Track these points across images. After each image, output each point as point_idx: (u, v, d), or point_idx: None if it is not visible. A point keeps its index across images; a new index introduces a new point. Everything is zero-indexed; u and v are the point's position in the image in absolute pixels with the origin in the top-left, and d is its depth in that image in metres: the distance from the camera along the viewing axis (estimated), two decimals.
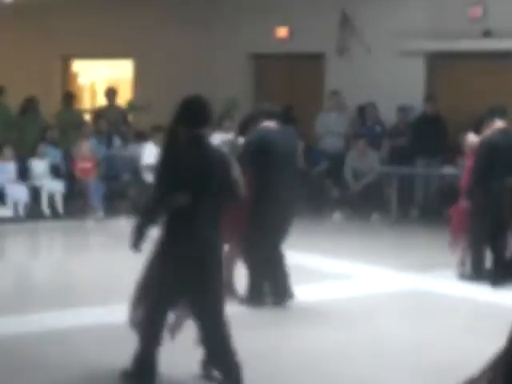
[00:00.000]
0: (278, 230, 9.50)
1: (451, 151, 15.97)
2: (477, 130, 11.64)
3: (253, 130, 9.62)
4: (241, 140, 9.40)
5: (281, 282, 9.59)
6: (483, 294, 10.44)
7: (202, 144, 6.59)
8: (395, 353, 8.09)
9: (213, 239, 6.62)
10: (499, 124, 11.18)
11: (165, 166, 6.61)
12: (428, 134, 15.91)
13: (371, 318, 9.16)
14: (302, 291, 9.64)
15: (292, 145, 10.05)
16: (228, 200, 6.72)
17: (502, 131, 11.14)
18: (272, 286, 9.60)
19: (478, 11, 16.56)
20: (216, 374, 6.80)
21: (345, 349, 8.15)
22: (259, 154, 9.15)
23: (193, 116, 6.55)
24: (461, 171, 15.48)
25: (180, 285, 6.60)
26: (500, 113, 11.45)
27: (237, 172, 6.79)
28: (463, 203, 11.09)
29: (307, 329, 8.68)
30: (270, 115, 9.67)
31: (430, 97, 16.78)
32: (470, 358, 7.25)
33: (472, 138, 11.57)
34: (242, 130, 10.34)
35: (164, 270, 6.59)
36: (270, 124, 9.53)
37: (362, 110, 17.26)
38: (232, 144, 16.16)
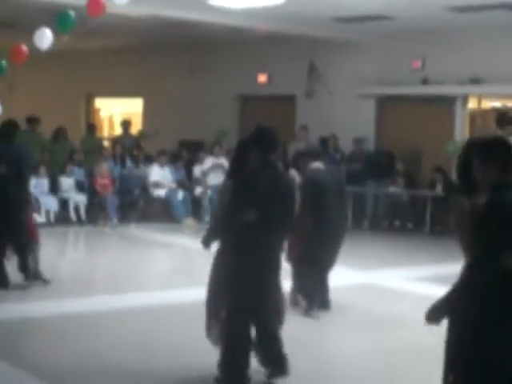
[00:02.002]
0: (328, 258, 8.85)
1: (395, 175, 16.20)
2: None
3: (302, 167, 8.81)
4: (292, 173, 8.58)
5: (325, 296, 9.00)
6: (425, 288, 10.51)
7: (275, 168, 6.18)
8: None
9: (277, 256, 6.25)
10: None
11: (237, 187, 6.09)
12: (379, 162, 16.06)
13: (341, 309, 9.09)
14: None
15: (340, 182, 9.19)
16: (287, 223, 6.22)
17: None
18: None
19: (418, 63, 16.73)
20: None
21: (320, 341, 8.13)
22: (313, 195, 8.37)
23: (267, 144, 6.15)
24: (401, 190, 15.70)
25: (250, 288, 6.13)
26: None
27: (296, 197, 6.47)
28: None
29: None
30: (317, 156, 9.05)
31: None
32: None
33: None
34: (293, 164, 9.63)
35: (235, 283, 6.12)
36: (319, 165, 8.76)
37: (324, 141, 17.32)
38: (221, 167, 16.31)
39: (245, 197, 6.06)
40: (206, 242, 6.46)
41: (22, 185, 9.42)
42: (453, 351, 4.32)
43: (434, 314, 4.40)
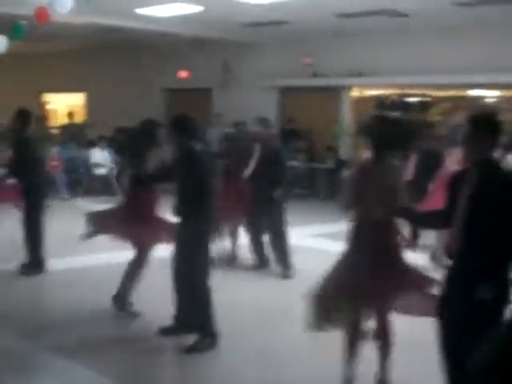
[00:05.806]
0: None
1: (297, 151, 16.34)
2: None
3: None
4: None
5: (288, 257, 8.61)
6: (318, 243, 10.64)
7: None
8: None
9: None
10: None
11: None
12: (287, 140, 16.10)
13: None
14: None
15: None
16: None
17: None
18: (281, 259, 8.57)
19: (308, 61, 16.89)
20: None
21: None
22: None
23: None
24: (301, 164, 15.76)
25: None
26: None
27: None
28: None
29: None
30: None
31: (290, 119, 17.02)
32: None
33: None
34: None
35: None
36: None
37: (236, 125, 17.31)
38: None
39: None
40: None
41: None
42: None
43: None
